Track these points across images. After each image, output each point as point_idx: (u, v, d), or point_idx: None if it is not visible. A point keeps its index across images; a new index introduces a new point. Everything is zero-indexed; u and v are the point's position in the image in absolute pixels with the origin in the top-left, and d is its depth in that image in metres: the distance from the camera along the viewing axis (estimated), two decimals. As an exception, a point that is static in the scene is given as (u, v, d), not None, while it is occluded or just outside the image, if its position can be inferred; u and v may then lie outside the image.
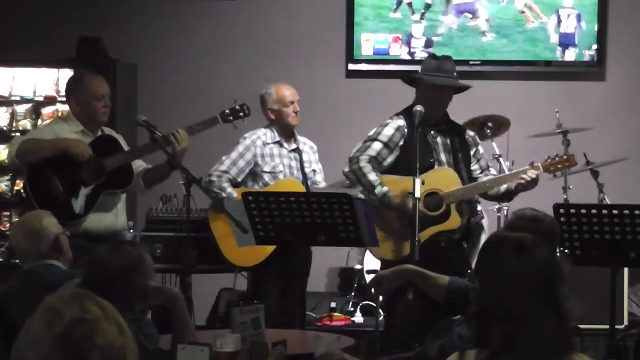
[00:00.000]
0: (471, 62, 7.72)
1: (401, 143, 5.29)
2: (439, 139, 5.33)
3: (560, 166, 5.36)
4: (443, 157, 5.29)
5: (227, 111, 5.73)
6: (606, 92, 7.79)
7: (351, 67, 7.79)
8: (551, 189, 7.00)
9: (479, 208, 6.86)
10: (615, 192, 6.97)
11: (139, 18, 7.92)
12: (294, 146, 6.09)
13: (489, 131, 6.95)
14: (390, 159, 5.30)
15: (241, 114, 5.76)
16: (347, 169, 5.36)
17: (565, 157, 5.39)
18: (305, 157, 6.11)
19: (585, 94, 7.78)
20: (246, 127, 5.85)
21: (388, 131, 5.30)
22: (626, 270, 6.17)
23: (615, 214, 4.53)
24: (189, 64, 7.87)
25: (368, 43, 7.77)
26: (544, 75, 7.80)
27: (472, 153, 5.45)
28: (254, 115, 6.05)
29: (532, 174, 5.22)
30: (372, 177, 5.24)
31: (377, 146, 5.29)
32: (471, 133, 5.57)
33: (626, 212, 4.53)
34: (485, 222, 7.04)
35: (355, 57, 7.77)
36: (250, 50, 7.84)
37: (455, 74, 5.39)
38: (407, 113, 5.33)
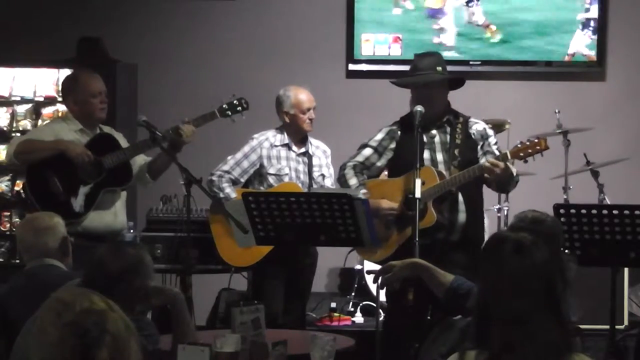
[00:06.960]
0: (471, 62, 7.71)
1: (392, 146, 5.27)
2: (436, 138, 5.21)
3: (530, 150, 4.97)
4: (439, 156, 5.18)
5: (225, 105, 5.68)
6: (606, 92, 7.79)
7: (351, 67, 7.79)
8: (551, 189, 7.01)
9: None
10: (615, 192, 6.96)
11: (139, 18, 7.91)
12: (303, 149, 6.07)
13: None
14: (380, 163, 5.31)
15: (239, 108, 5.71)
16: (338, 176, 5.43)
17: (535, 141, 5.00)
18: (315, 161, 6.07)
19: (585, 94, 7.77)
20: (244, 122, 5.82)
21: (379, 135, 5.32)
22: (626, 270, 6.18)
23: (615, 214, 4.53)
24: (189, 64, 7.86)
25: (368, 43, 7.76)
26: (544, 75, 7.79)
27: (479, 146, 5.22)
28: (267, 116, 6.04)
29: (488, 163, 4.91)
30: (352, 181, 5.26)
31: (367, 151, 5.32)
32: (479, 127, 5.28)
33: (626, 212, 4.53)
34: (485, 222, 7.02)
35: (355, 57, 7.76)
36: (250, 50, 7.84)
37: (440, 67, 5.21)
38: (406, 116, 5.27)
